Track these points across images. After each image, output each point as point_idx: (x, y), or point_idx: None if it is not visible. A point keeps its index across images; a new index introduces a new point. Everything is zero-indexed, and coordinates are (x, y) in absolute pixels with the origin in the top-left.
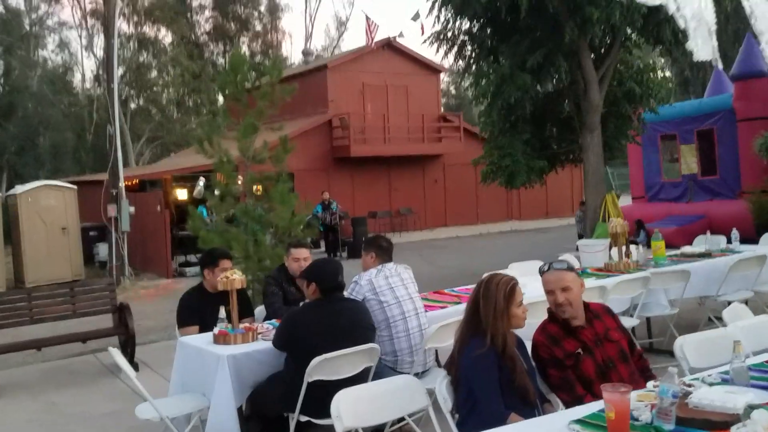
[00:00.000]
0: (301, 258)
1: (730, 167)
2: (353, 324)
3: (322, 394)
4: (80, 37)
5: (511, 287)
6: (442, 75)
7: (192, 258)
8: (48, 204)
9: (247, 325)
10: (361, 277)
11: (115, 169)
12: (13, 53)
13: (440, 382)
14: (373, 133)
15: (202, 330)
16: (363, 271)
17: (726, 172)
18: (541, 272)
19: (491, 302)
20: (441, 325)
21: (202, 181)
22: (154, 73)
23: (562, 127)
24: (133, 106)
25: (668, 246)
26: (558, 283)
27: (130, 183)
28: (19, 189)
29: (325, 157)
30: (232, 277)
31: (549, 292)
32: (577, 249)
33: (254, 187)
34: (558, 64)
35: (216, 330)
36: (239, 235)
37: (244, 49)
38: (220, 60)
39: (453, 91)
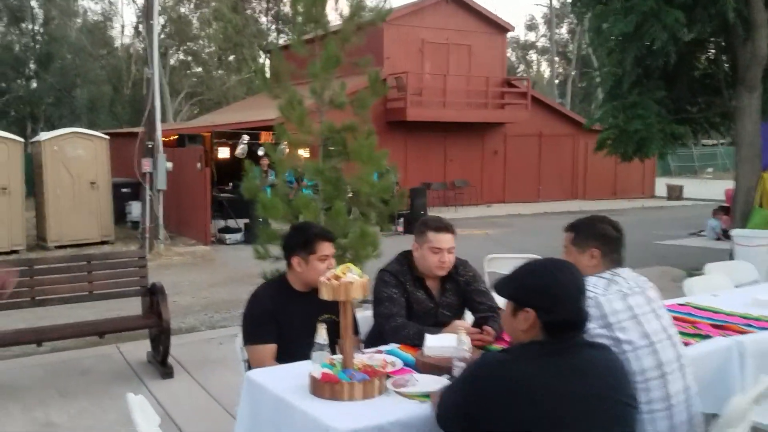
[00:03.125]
0: (445, 248)
1: None
2: (604, 394)
3: None
4: None
5: None
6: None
7: (232, 223)
8: (76, 154)
9: (365, 360)
10: None
11: (151, 119)
12: (52, 1)
13: None
14: (431, 95)
15: (282, 349)
16: None
17: None
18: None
19: None
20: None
21: (245, 139)
22: (195, 25)
23: (697, 85)
24: (172, 61)
25: None
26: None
27: (167, 139)
28: (44, 136)
29: (378, 121)
30: (346, 277)
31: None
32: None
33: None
34: None
35: (315, 369)
36: (310, 202)
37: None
38: (263, 18)
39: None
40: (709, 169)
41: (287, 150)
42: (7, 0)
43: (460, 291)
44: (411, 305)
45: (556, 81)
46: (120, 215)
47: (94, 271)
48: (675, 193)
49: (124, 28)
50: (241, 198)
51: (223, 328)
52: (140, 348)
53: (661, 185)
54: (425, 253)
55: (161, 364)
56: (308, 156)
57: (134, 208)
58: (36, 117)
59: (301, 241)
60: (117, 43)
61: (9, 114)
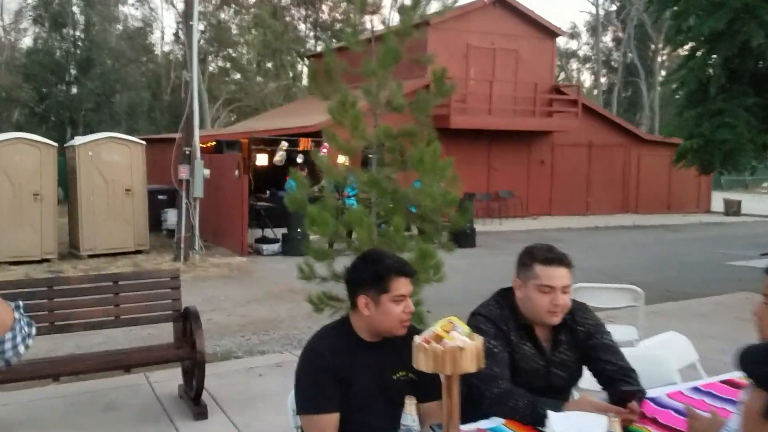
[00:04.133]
0: (559, 287)
1: None
2: None
3: None
4: None
5: None
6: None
7: (269, 233)
8: (111, 160)
9: None
10: None
11: (189, 123)
12: (93, 7)
13: None
14: (476, 102)
15: (346, 417)
16: None
17: None
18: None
19: None
20: None
21: (284, 146)
22: (234, 31)
23: None
24: (211, 68)
25: None
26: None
27: (205, 145)
28: (78, 140)
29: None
30: (453, 340)
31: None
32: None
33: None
34: None
35: None
36: (363, 217)
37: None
38: (301, 26)
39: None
40: (765, 184)
41: (327, 156)
42: (50, 6)
43: (578, 344)
44: (515, 362)
45: (595, 91)
46: (155, 223)
47: (122, 293)
48: (732, 208)
49: (164, 34)
50: (279, 207)
51: (262, 354)
52: (172, 377)
53: (715, 200)
54: (532, 293)
55: (194, 402)
56: (349, 164)
57: (170, 216)
58: (76, 122)
59: (370, 275)
60: (157, 50)
61: (49, 119)
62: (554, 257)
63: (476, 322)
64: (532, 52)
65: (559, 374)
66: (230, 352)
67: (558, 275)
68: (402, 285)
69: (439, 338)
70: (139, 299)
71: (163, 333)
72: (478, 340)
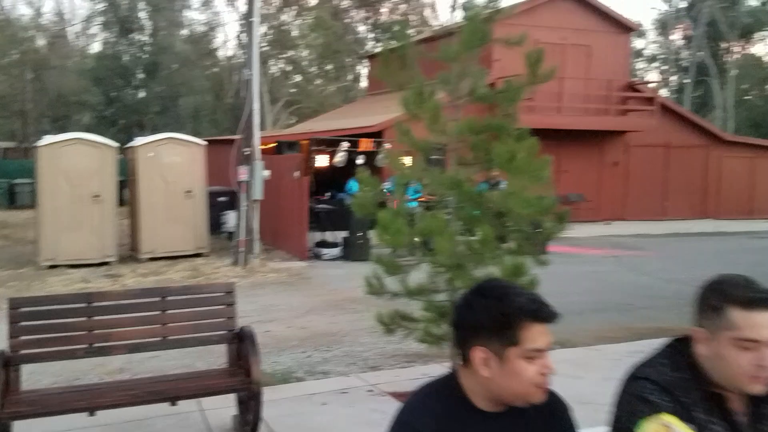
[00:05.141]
0: (766, 341)
1: None
2: None
3: None
4: None
5: None
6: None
7: (329, 236)
8: (171, 161)
9: None
10: None
11: (249, 123)
12: (160, 12)
13: None
14: (545, 100)
15: None
16: None
17: None
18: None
19: None
20: None
21: (345, 147)
22: (295, 33)
23: None
24: (272, 70)
25: None
26: None
27: (264, 146)
28: (138, 141)
29: None
30: None
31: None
32: None
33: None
34: None
35: None
36: (444, 226)
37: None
38: (361, 27)
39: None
40: None
41: (390, 154)
42: (118, 11)
43: None
44: None
45: (665, 90)
46: (215, 225)
47: (169, 310)
48: None
49: (227, 38)
50: (339, 209)
51: (325, 375)
52: (226, 403)
53: None
54: (726, 350)
55: None
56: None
57: (230, 218)
58: (143, 125)
59: (492, 319)
60: (219, 54)
61: (117, 122)
62: (761, 297)
63: (640, 390)
64: (605, 48)
65: None
66: (290, 371)
67: (767, 323)
68: (539, 335)
69: None
70: (188, 317)
71: (216, 356)
72: None
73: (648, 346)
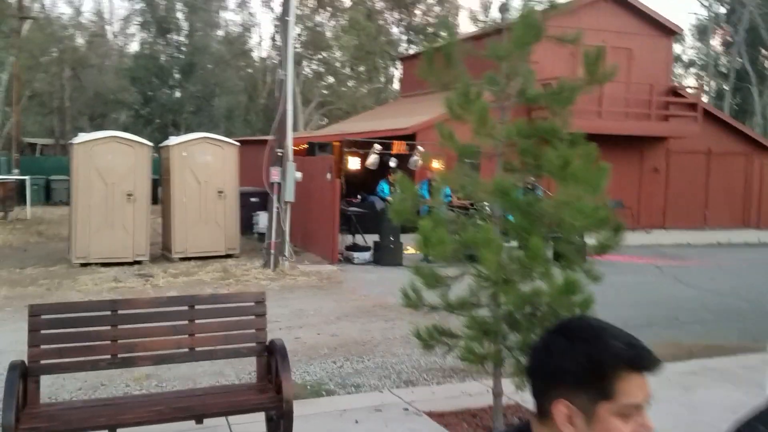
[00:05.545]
0: None
1: None
2: None
3: None
4: None
5: None
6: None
7: (360, 240)
8: (204, 161)
9: None
10: None
11: (282, 124)
12: (196, 12)
13: None
14: (584, 104)
15: None
16: None
17: None
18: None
19: None
20: None
21: (377, 149)
22: (329, 34)
23: None
24: (305, 71)
25: None
26: None
27: (297, 148)
28: (173, 140)
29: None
30: None
31: None
32: None
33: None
34: None
35: None
36: (491, 237)
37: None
38: (394, 29)
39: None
40: None
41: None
42: (156, 12)
43: None
44: None
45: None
46: (247, 225)
47: (198, 320)
48: None
49: (261, 40)
50: (371, 212)
51: (357, 389)
52: (254, 419)
53: None
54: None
55: None
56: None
57: (261, 219)
58: (178, 125)
59: (581, 367)
60: (254, 54)
61: (153, 121)
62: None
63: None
64: (647, 51)
65: None
66: (321, 383)
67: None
68: (637, 387)
69: None
70: (217, 328)
71: (244, 368)
72: None
73: (700, 367)
